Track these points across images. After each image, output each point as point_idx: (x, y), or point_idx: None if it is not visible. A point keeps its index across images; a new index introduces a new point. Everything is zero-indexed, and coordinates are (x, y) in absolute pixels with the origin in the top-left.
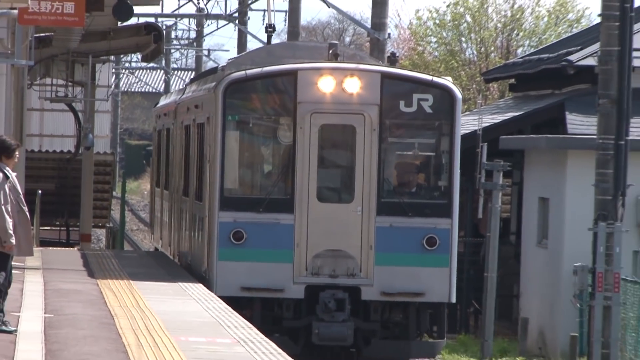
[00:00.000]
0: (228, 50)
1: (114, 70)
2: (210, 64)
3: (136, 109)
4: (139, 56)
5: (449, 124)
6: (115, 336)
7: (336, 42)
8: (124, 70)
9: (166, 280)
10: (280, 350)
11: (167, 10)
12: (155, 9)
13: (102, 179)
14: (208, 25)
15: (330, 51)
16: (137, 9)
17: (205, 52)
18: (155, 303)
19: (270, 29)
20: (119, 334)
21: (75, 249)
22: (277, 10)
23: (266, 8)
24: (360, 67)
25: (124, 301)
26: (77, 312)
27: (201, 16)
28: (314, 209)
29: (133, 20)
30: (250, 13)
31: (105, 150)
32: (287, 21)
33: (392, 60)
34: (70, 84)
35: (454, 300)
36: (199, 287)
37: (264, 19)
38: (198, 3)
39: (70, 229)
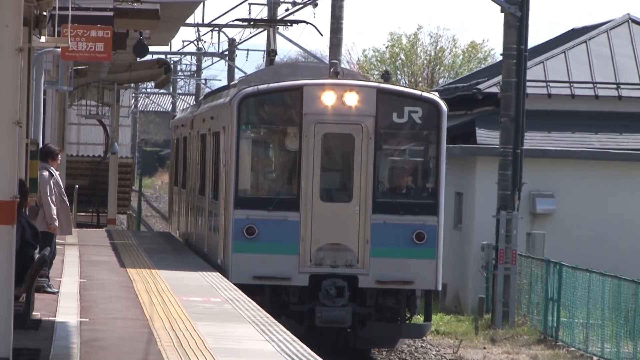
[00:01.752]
0: (220, 80)
1: (133, 94)
2: (206, 90)
3: (150, 124)
4: (153, 84)
5: (436, 133)
6: (134, 296)
7: (336, 61)
8: (141, 95)
9: (172, 254)
10: (259, 307)
11: (174, 49)
12: (165, 48)
13: (124, 177)
14: (205, 60)
15: (332, 69)
16: (151, 48)
17: (203, 81)
18: (163, 271)
19: (272, 54)
20: (136, 294)
21: (104, 230)
22: (256, 50)
23: (271, 38)
24: (358, 83)
25: (140, 269)
26: (105, 277)
27: (200, 54)
28: (317, 207)
29: (148, 57)
30: (237, 52)
31: (126, 155)
32: (265, 58)
33: (386, 77)
34: (100, 104)
35: (439, 287)
36: (198, 260)
37: (247, 57)
38: (197, 44)
39: (100, 214)
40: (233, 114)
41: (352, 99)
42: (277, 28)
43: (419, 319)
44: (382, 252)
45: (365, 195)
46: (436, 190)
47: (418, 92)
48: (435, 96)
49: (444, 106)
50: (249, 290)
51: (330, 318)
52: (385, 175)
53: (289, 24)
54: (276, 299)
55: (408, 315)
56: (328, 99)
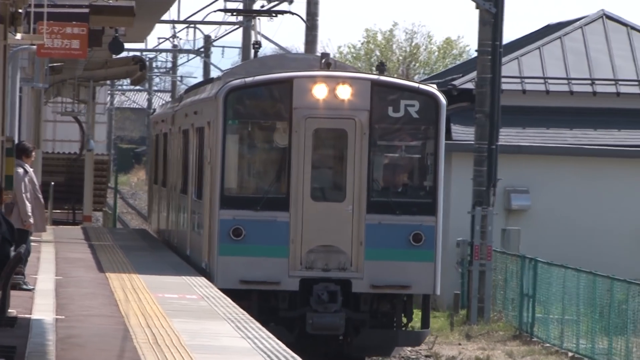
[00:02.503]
0: (196, 77)
1: (109, 91)
2: (182, 87)
3: (126, 121)
4: (129, 81)
5: (434, 128)
6: (109, 293)
7: (328, 52)
8: (117, 92)
9: (148, 251)
10: (234, 303)
11: (150, 46)
12: (140, 45)
13: (100, 174)
14: (181, 57)
15: (323, 60)
16: (127, 45)
17: (179, 78)
18: (139, 268)
19: (256, 45)
20: (112, 291)
21: (80, 227)
22: (232, 47)
23: (255, 29)
24: (351, 75)
25: (116, 266)
26: (81, 275)
27: (175, 51)
28: (308, 207)
29: (124, 54)
30: (212, 49)
31: (102, 152)
32: (240, 55)
33: (381, 68)
34: (76, 101)
35: (438, 292)
36: (173, 256)
37: (222, 54)
38: (173, 41)
39: (76, 211)
40: (219, 108)
41: (345, 92)
42: (257, 20)
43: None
44: (377, 255)
45: (359, 194)
46: (434, 189)
47: (415, 84)
48: (433, 88)
49: (442, 99)
50: (236, 295)
51: (322, 325)
52: (380, 173)
53: (273, 15)
54: (265, 304)
55: (404, 322)
56: (319, 92)
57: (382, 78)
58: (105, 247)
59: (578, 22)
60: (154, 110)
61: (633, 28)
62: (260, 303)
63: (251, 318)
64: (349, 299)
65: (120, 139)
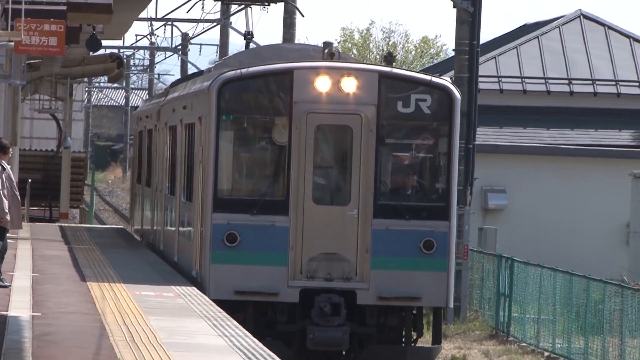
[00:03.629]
0: (173, 75)
1: (86, 88)
2: (160, 85)
3: (103, 118)
4: (106, 78)
5: (448, 125)
6: (86, 290)
7: (331, 41)
8: (94, 89)
9: (125, 248)
10: (211, 301)
11: (127, 44)
12: (118, 43)
13: (77, 171)
14: (158, 55)
15: (326, 50)
16: (104, 42)
17: (156, 76)
18: (116, 265)
19: (248, 36)
20: (88, 288)
21: (57, 224)
22: (210, 44)
23: (244, 18)
24: (357, 67)
25: (92, 263)
26: (57, 272)
27: (153, 48)
28: (309, 211)
29: (101, 51)
30: (190, 46)
31: (79, 149)
32: (218, 52)
33: (389, 59)
34: (53, 98)
35: (451, 305)
36: (150, 254)
37: (200, 51)
38: (150, 38)
39: (53, 208)
40: (212, 101)
41: (350, 85)
42: (249, 10)
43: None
44: (385, 263)
45: (365, 196)
46: (447, 192)
47: (427, 77)
48: (447, 82)
49: (457, 93)
50: (230, 307)
51: (324, 340)
52: (388, 174)
53: (266, 3)
54: (261, 317)
55: (414, 337)
56: (322, 84)
57: (391, 70)
58: (82, 244)
59: (555, 22)
60: (133, 107)
61: (611, 28)
62: (257, 315)
63: (227, 316)
64: (354, 312)
65: (98, 136)
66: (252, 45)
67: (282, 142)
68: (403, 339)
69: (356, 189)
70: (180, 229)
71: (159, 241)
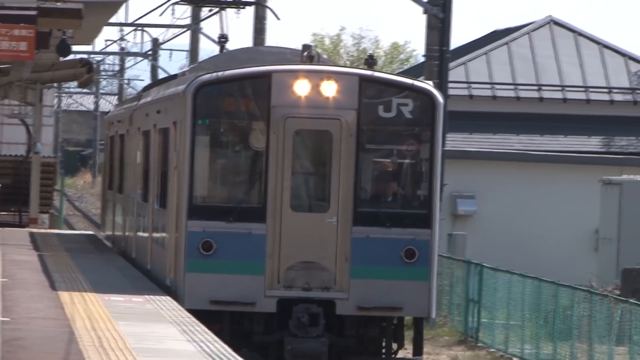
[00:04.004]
0: (143, 80)
1: (56, 94)
2: (130, 91)
3: (73, 124)
4: (76, 83)
5: (430, 130)
6: (55, 295)
7: (310, 44)
8: (64, 94)
9: (94, 254)
10: (180, 307)
11: (97, 49)
12: (88, 48)
13: (47, 176)
14: (128, 60)
15: (305, 53)
16: (74, 48)
17: (126, 81)
18: (85, 271)
19: (222, 39)
20: (58, 294)
21: (26, 229)
22: (180, 50)
23: (218, 22)
24: (337, 70)
25: (62, 268)
26: (27, 277)
27: (123, 54)
28: (287, 218)
29: (71, 56)
30: (160, 52)
31: (49, 154)
32: (188, 58)
33: (370, 62)
34: (23, 104)
35: (434, 315)
36: (120, 259)
37: (170, 57)
38: (121, 44)
39: (23, 214)
40: (187, 105)
41: (329, 89)
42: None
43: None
44: (365, 272)
45: (344, 203)
46: (429, 199)
47: (409, 81)
48: (429, 86)
49: (439, 98)
50: (205, 317)
51: (302, 351)
52: (369, 180)
53: (241, 6)
54: (237, 327)
55: (394, 348)
56: (301, 88)
57: (372, 73)
58: (52, 249)
59: (525, 28)
60: (103, 112)
61: (580, 34)
62: (233, 326)
63: (197, 321)
64: (333, 323)
65: (67, 141)
66: (228, 49)
67: (259, 147)
68: (383, 351)
69: (335, 196)
70: (154, 236)
71: (131, 248)
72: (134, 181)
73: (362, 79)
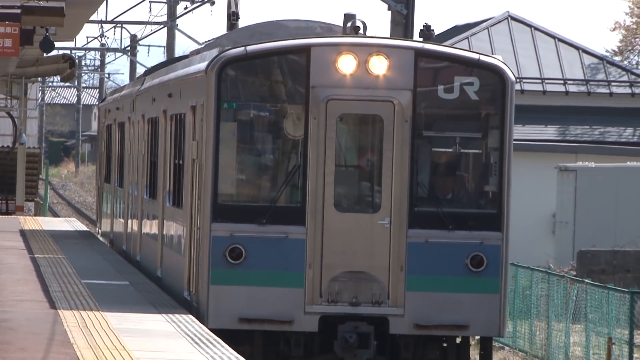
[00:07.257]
0: (123, 73)
1: (40, 87)
2: (110, 84)
3: (56, 116)
4: (59, 78)
5: (500, 115)
6: (41, 279)
7: (354, 13)
8: (48, 88)
9: (77, 239)
10: (160, 290)
11: (79, 45)
12: (70, 44)
13: (32, 166)
14: (108, 56)
15: (349, 23)
16: (57, 44)
17: (107, 75)
18: (70, 255)
19: (233, 17)
20: (44, 277)
21: (13, 216)
22: (157, 46)
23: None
24: (388, 43)
25: (47, 254)
26: (13, 262)
27: (103, 49)
28: (330, 220)
29: (54, 52)
30: (139, 47)
31: (34, 145)
32: (165, 53)
33: (427, 34)
34: (8, 97)
35: (504, 334)
36: (103, 245)
37: (148, 53)
38: (101, 40)
39: (9, 202)
40: (211, 86)
41: (380, 66)
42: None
43: None
44: (423, 284)
45: (398, 202)
46: (500, 196)
47: (475, 56)
48: (498, 61)
49: (511, 76)
50: (234, 337)
51: None
52: (427, 174)
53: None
54: (272, 350)
55: None
56: (346, 65)
57: (430, 47)
58: (36, 235)
59: (485, 23)
60: (85, 105)
61: (537, 29)
62: (267, 348)
63: (175, 304)
64: (385, 343)
65: (51, 133)
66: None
67: (296, 135)
68: None
69: (388, 193)
70: (166, 239)
71: (134, 250)
72: (138, 175)
73: (419, 53)
